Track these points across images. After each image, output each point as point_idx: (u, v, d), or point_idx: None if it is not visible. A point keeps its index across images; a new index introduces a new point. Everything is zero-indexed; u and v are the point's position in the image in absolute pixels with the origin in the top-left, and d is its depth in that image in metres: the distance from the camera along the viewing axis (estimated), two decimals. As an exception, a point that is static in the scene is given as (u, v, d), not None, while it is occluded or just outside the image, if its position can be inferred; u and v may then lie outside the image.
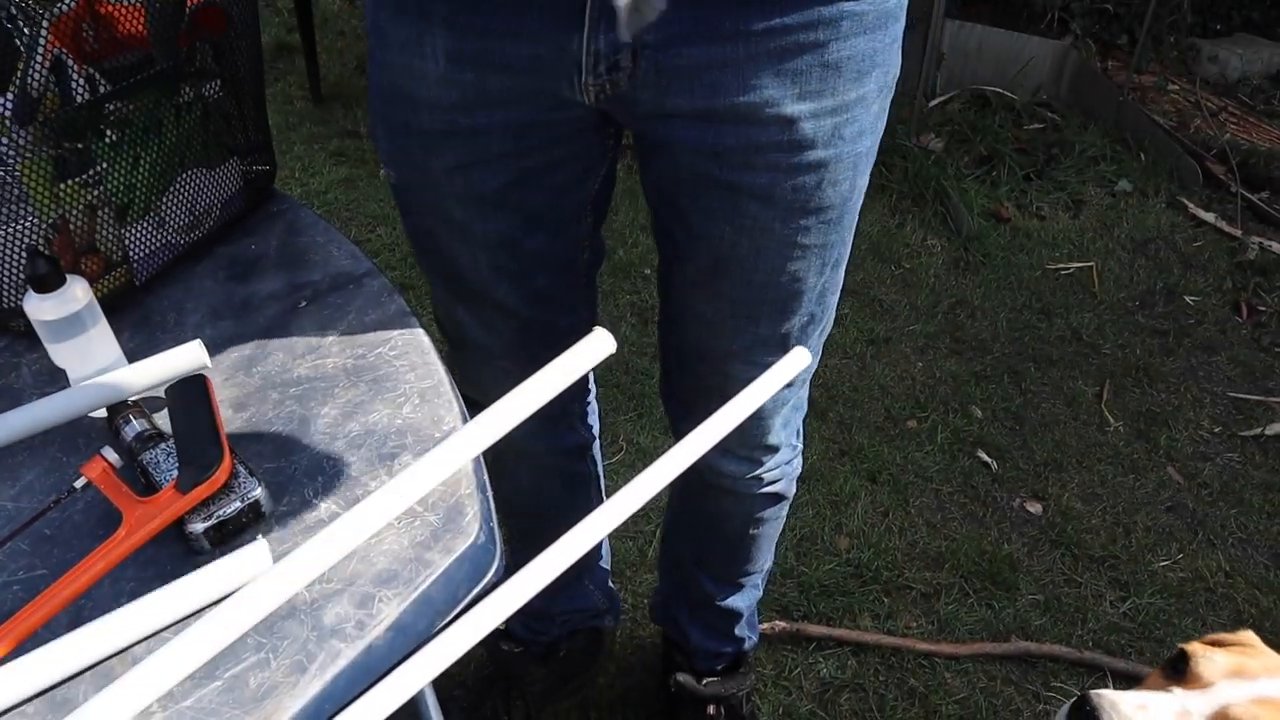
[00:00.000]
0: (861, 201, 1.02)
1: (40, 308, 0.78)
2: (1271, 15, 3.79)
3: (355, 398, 0.84)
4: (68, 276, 0.79)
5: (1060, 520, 2.03)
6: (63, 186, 0.87)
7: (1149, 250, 2.86)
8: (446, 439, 0.74)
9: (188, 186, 0.99)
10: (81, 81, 0.85)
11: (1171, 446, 2.23)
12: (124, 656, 0.64)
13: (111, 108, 0.88)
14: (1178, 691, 0.84)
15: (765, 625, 1.75)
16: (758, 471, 1.26)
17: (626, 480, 0.69)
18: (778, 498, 1.34)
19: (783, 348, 1.09)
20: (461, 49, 0.89)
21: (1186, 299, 2.68)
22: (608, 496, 1.51)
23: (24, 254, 0.86)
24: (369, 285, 0.97)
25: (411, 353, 0.89)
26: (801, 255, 0.99)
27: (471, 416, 0.76)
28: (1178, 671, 0.87)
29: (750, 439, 1.20)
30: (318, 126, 3.31)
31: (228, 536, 0.72)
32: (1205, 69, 3.65)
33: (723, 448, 0.81)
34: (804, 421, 1.31)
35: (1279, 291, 2.70)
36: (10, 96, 0.81)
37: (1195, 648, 0.88)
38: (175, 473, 0.72)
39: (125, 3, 0.87)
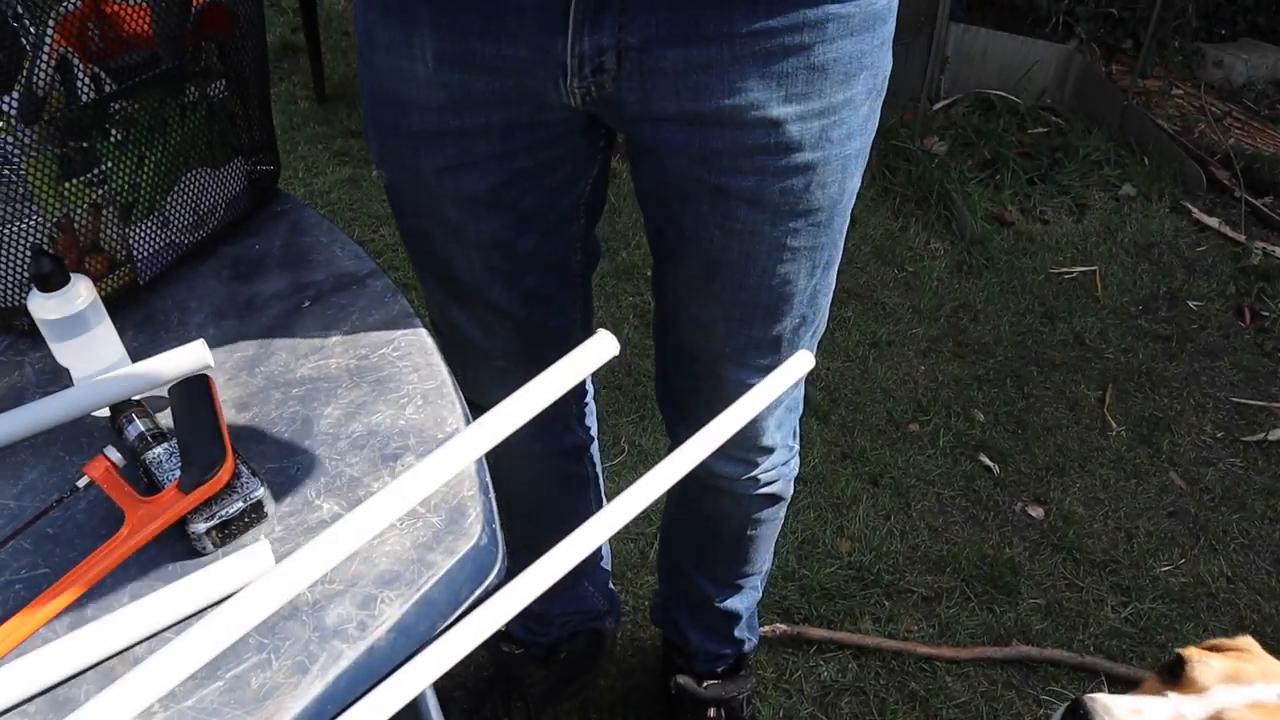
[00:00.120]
0: (853, 203, 1.02)
1: (44, 306, 0.78)
2: (1277, 20, 3.78)
3: (358, 398, 0.84)
4: (72, 275, 0.79)
5: (1062, 524, 2.03)
6: (67, 185, 0.87)
7: (1152, 255, 2.85)
8: (449, 440, 0.74)
9: (192, 186, 0.99)
10: (87, 80, 0.85)
11: (1174, 451, 2.23)
12: (126, 656, 0.64)
13: (117, 107, 0.88)
14: (1173, 696, 0.84)
15: (766, 628, 1.75)
16: (754, 473, 1.26)
17: (628, 482, 0.69)
18: (775, 499, 1.34)
19: (775, 349, 1.09)
20: (449, 51, 0.89)
21: (1190, 304, 2.67)
22: (608, 498, 1.51)
23: (28, 252, 0.86)
24: (372, 286, 0.97)
25: (414, 354, 0.89)
26: (792, 258, 0.99)
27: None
28: (1174, 676, 0.87)
29: (745, 440, 1.20)
30: (322, 126, 3.31)
31: (230, 537, 0.71)
32: (1210, 74, 3.65)
33: (718, 450, 0.81)
34: (801, 422, 1.31)
35: (1282, 297, 2.70)
36: (16, 95, 0.81)
37: (1192, 653, 0.88)
38: (178, 472, 0.72)
39: (131, 2, 0.87)
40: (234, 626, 0.63)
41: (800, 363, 0.83)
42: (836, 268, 1.08)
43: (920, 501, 2.07)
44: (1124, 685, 1.72)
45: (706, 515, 1.39)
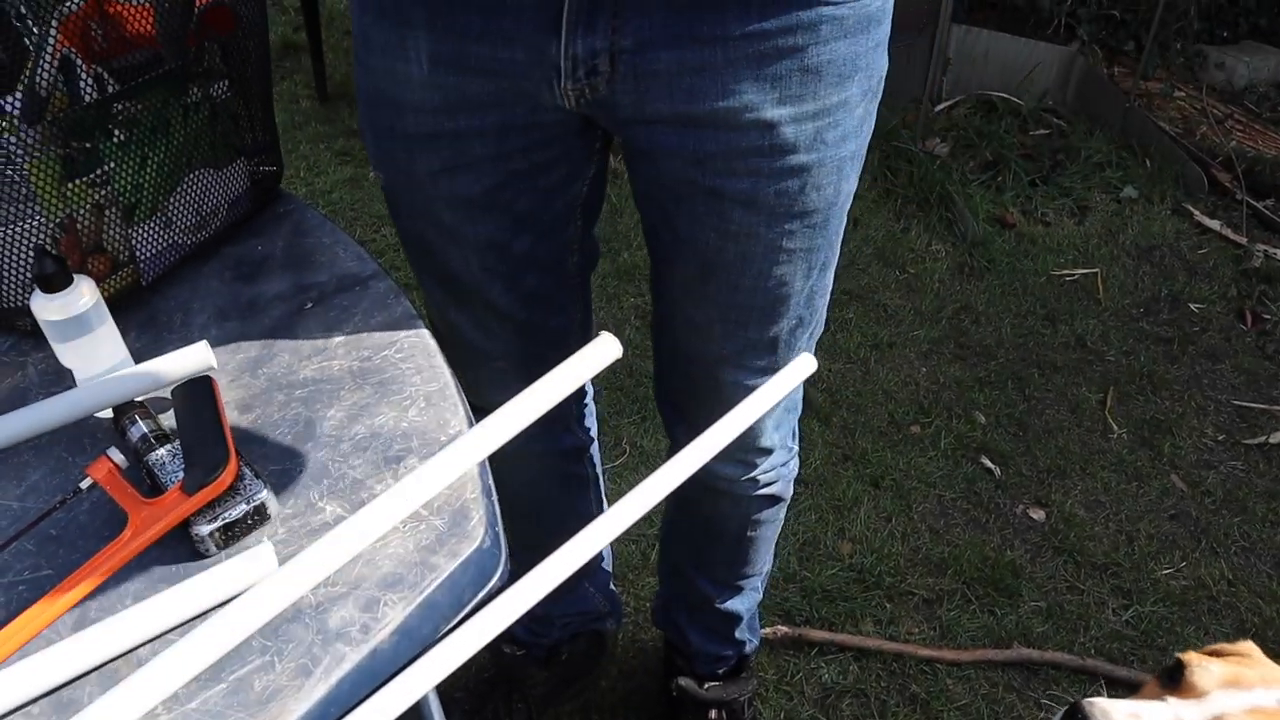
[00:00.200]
0: (850, 204, 1.02)
1: (47, 307, 0.78)
2: (1279, 23, 3.78)
3: (361, 400, 0.84)
4: (75, 276, 0.79)
5: (1063, 527, 2.03)
6: (70, 186, 0.87)
7: (1154, 257, 2.85)
8: (452, 443, 0.74)
9: (195, 187, 0.99)
10: (89, 81, 0.85)
11: (1175, 454, 2.22)
12: (129, 658, 0.64)
13: (119, 107, 0.88)
14: (1172, 701, 0.84)
15: (767, 630, 1.75)
16: (753, 474, 1.26)
17: (629, 483, 0.69)
18: (774, 500, 1.34)
19: (772, 351, 1.09)
20: (443, 53, 0.89)
21: (1191, 306, 2.67)
22: (609, 499, 1.51)
23: (31, 253, 0.86)
24: (375, 287, 0.97)
25: (417, 355, 0.88)
26: (788, 259, 0.99)
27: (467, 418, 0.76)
28: (1174, 681, 0.87)
29: (743, 442, 1.20)
30: (323, 125, 3.31)
31: (233, 539, 0.71)
32: (1212, 76, 3.65)
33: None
34: (800, 423, 1.31)
35: (1284, 300, 2.70)
36: (18, 95, 0.81)
37: (1191, 657, 0.88)
38: (181, 474, 0.73)
39: (134, 2, 0.87)
40: (237, 629, 0.63)
41: (802, 366, 0.83)
42: (833, 269, 1.08)
43: (921, 503, 2.07)
44: (1125, 688, 1.72)
45: (706, 517, 1.39)
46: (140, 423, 0.78)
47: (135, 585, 0.69)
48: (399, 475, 0.77)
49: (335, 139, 3.23)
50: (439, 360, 0.88)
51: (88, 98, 0.85)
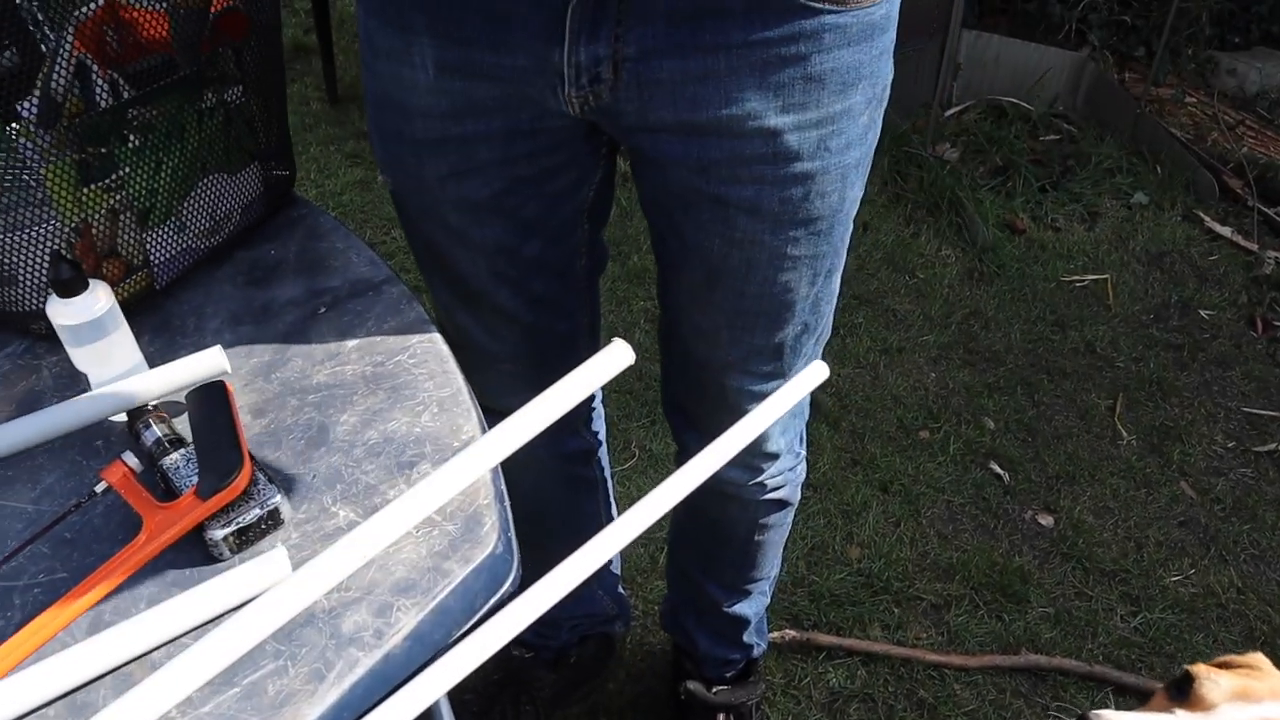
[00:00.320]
0: (856, 210, 1.02)
1: (62, 312, 0.78)
2: (1291, 28, 3.77)
3: (374, 405, 0.84)
4: (90, 281, 0.79)
5: (1072, 533, 2.02)
6: (85, 190, 0.87)
7: (1164, 263, 2.85)
8: (465, 448, 0.75)
9: (209, 191, 0.99)
10: (104, 86, 0.86)
11: (1184, 461, 2.22)
12: (143, 662, 0.65)
13: (134, 112, 0.88)
14: (1180, 714, 0.83)
15: (775, 634, 1.75)
16: (760, 478, 1.26)
17: (638, 486, 0.70)
18: (782, 504, 1.34)
19: (778, 357, 1.09)
20: (449, 59, 0.89)
21: (1201, 313, 2.67)
22: (618, 503, 1.51)
23: (47, 257, 0.86)
24: (388, 292, 0.98)
25: (430, 361, 0.89)
26: (793, 266, 0.99)
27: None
28: (1182, 693, 0.86)
29: (750, 447, 1.20)
30: (334, 128, 3.32)
31: (247, 543, 0.72)
32: (1223, 82, 3.64)
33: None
34: (809, 428, 1.31)
35: (1294, 306, 2.69)
36: (34, 100, 0.81)
37: (1200, 669, 0.87)
38: (195, 479, 0.73)
39: (149, 8, 0.87)
40: (251, 633, 0.64)
41: (814, 374, 0.83)
42: (839, 275, 1.08)
43: (930, 509, 2.07)
44: (1132, 695, 1.71)
45: (713, 521, 1.39)
46: (155, 427, 0.78)
47: (150, 589, 0.69)
48: (412, 481, 0.77)
49: (345, 141, 3.24)
50: (451, 365, 0.89)
51: (103, 103, 0.86)
